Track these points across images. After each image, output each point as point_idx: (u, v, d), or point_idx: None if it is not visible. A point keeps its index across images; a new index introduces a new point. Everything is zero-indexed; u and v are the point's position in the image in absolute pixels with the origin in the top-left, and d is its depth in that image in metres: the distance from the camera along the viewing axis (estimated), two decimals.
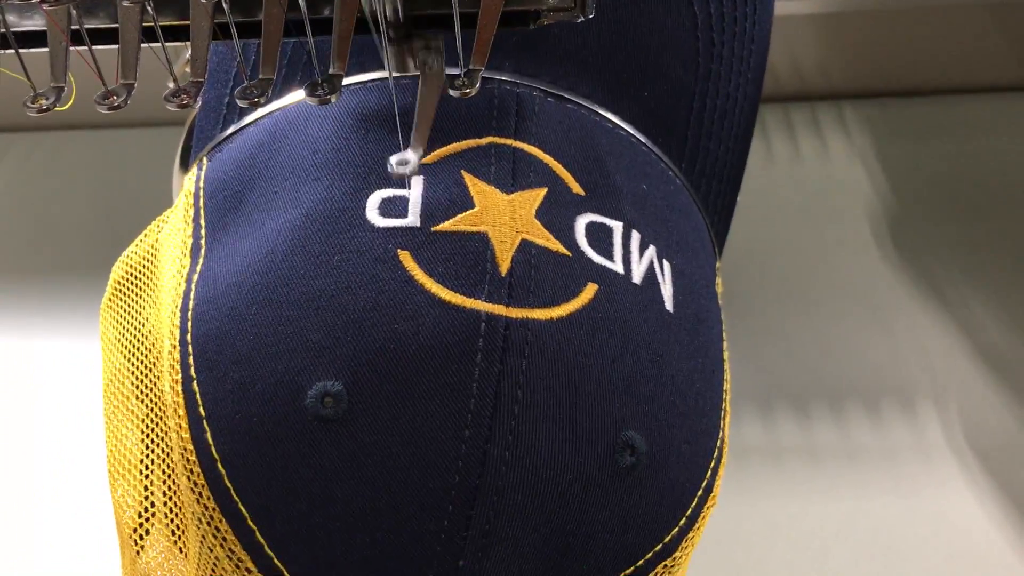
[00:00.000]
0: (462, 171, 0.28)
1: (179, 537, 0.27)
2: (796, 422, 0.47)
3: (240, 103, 0.25)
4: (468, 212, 0.27)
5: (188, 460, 0.26)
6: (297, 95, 0.31)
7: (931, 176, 0.57)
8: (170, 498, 0.27)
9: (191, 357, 0.27)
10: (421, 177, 0.28)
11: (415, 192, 0.28)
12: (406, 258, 0.26)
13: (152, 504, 0.28)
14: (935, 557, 0.42)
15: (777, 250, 0.53)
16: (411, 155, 0.26)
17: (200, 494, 0.26)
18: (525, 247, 0.27)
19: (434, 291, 0.26)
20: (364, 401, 0.25)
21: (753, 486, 0.45)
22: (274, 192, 0.29)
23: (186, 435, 0.26)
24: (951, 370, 0.48)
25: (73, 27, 0.24)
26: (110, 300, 0.32)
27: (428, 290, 0.26)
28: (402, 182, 0.28)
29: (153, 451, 0.28)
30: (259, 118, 0.31)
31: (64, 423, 0.47)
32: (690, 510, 0.28)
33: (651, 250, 0.30)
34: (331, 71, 0.25)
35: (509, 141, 0.29)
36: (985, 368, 0.48)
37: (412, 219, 0.27)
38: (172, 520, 0.27)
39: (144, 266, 0.32)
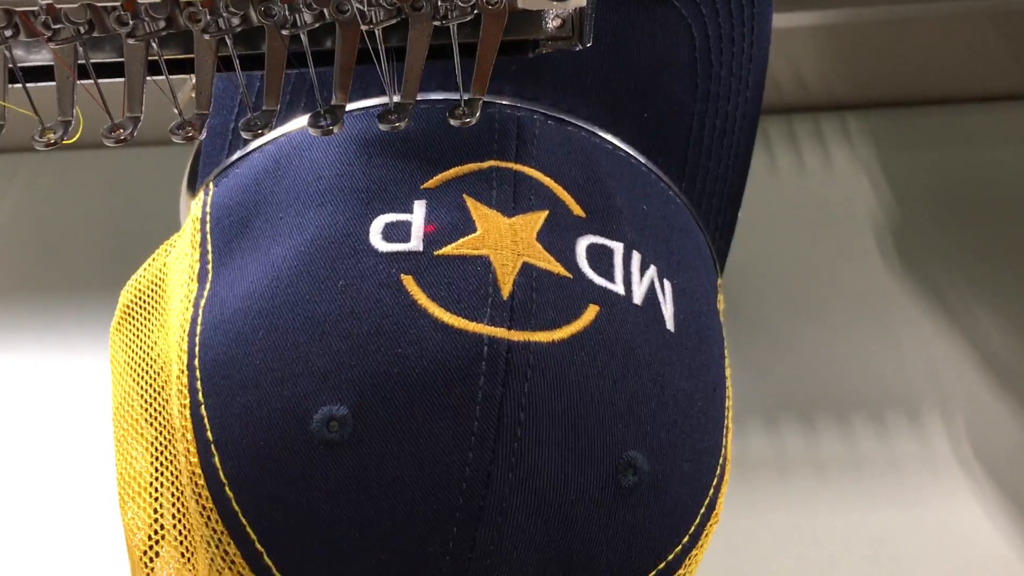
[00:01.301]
0: (464, 195, 0.28)
1: (189, 559, 0.28)
2: (802, 433, 0.47)
3: (244, 135, 0.25)
4: (470, 236, 0.28)
5: (197, 484, 0.26)
6: (301, 121, 0.31)
7: (935, 186, 0.57)
8: (179, 520, 0.28)
9: (199, 382, 0.27)
10: (424, 202, 0.28)
11: (417, 216, 0.28)
12: (409, 283, 0.27)
13: (162, 527, 0.28)
14: (941, 568, 0.42)
15: (781, 261, 0.53)
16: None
17: (209, 517, 0.26)
18: (526, 270, 0.27)
19: (437, 315, 0.26)
20: (369, 425, 0.25)
21: (759, 497, 0.45)
22: (279, 218, 0.29)
23: (195, 459, 0.26)
24: (957, 381, 0.48)
25: (79, 62, 0.25)
26: (119, 324, 0.32)
27: (431, 314, 0.26)
28: (406, 207, 0.28)
29: (163, 474, 0.28)
30: (263, 144, 0.31)
31: (74, 444, 0.48)
32: (693, 528, 0.28)
33: (652, 270, 0.30)
34: (333, 102, 0.25)
35: (510, 164, 0.29)
36: (991, 379, 0.48)
37: (415, 243, 0.27)
38: (182, 542, 0.28)
39: (152, 290, 0.32)
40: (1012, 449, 0.46)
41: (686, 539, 0.28)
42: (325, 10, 0.23)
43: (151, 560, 0.29)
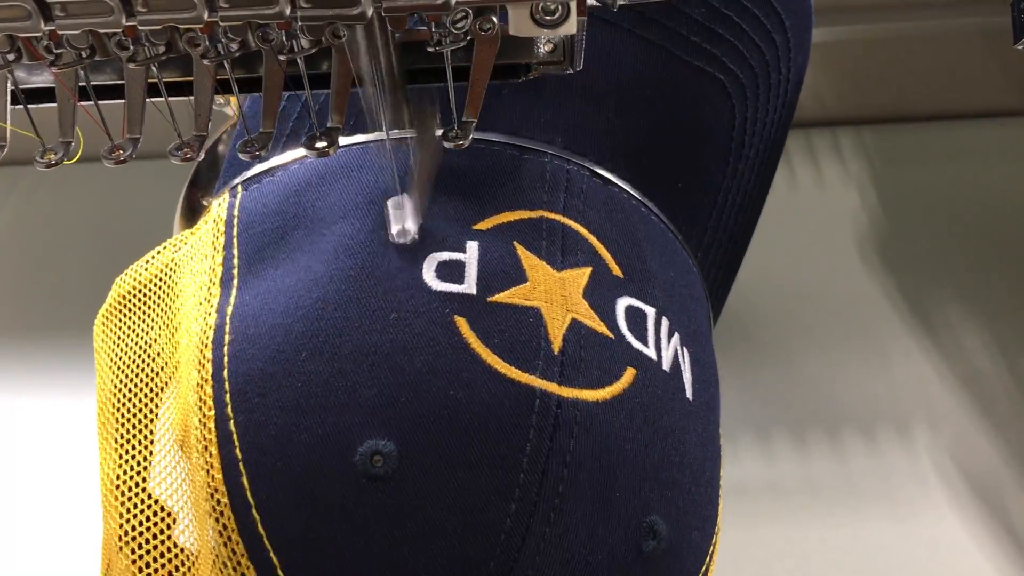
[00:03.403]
0: (515, 243, 0.28)
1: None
2: (793, 448, 0.47)
3: (241, 156, 0.25)
4: (521, 286, 0.27)
5: (218, 502, 0.25)
6: (350, 139, 0.30)
7: (925, 202, 0.57)
8: (141, 532, 0.27)
9: (228, 395, 0.26)
10: (476, 243, 0.28)
11: (471, 258, 0.28)
12: (462, 325, 0.26)
13: (126, 533, 0.27)
14: None
15: (772, 276, 0.54)
16: (411, 225, 0.27)
17: (229, 537, 0.25)
18: (575, 327, 0.27)
19: (490, 362, 0.26)
20: (415, 463, 0.25)
21: (751, 513, 0.45)
22: (321, 234, 0.29)
23: (218, 475, 0.25)
24: (945, 397, 0.49)
25: (80, 84, 0.25)
26: (108, 315, 0.31)
27: (484, 360, 0.26)
28: (459, 247, 0.28)
29: (131, 477, 0.28)
30: (304, 156, 0.31)
31: (69, 450, 0.48)
32: None
33: (676, 338, 0.31)
34: (329, 124, 0.26)
35: (559, 217, 0.30)
36: (979, 396, 0.49)
37: (468, 286, 0.27)
38: (138, 559, 0.27)
39: (156, 284, 0.31)
40: (1000, 465, 0.46)
41: None
42: (322, 36, 0.23)
43: (108, 569, 0.28)
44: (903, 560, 0.43)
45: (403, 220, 0.28)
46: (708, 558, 0.30)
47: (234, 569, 0.25)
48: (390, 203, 0.28)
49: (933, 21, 0.57)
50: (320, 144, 0.25)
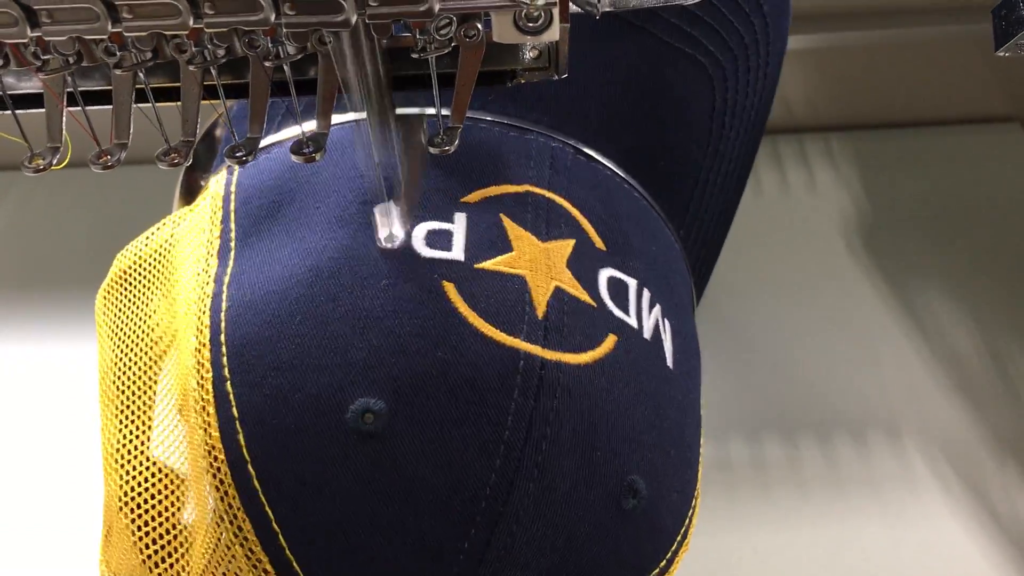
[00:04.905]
0: (501, 214, 0.30)
1: (141, 537, 0.28)
2: (783, 451, 0.47)
3: (228, 161, 0.26)
4: (507, 255, 0.29)
5: (215, 459, 0.26)
6: (342, 117, 0.31)
7: (917, 206, 0.57)
8: (139, 494, 0.28)
9: (225, 358, 0.27)
10: (464, 215, 0.29)
11: (459, 228, 0.29)
12: (451, 290, 0.27)
13: (120, 498, 0.28)
14: None
15: (764, 279, 0.54)
16: (399, 231, 0.28)
17: (226, 492, 0.26)
18: (559, 294, 0.28)
19: (477, 325, 0.27)
20: (404, 421, 0.26)
21: (741, 515, 0.45)
22: (316, 207, 0.30)
23: (215, 433, 0.26)
24: (936, 399, 0.49)
25: (68, 90, 0.25)
26: (109, 289, 0.32)
27: (471, 323, 0.27)
28: (447, 217, 0.29)
29: (131, 441, 0.29)
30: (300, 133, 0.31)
31: (65, 457, 0.48)
32: (670, 553, 0.30)
33: (657, 308, 0.31)
34: (316, 129, 0.26)
35: (544, 192, 0.31)
36: (969, 397, 0.49)
37: (457, 253, 0.28)
38: (137, 518, 0.27)
39: (155, 259, 0.32)
40: (990, 468, 0.46)
41: (663, 563, 0.29)
42: (307, 42, 0.24)
43: (109, 532, 0.29)
44: (893, 560, 0.44)
45: (391, 225, 0.28)
46: (688, 520, 0.31)
47: (231, 522, 0.26)
48: (377, 209, 0.28)
49: (925, 28, 0.57)
50: (306, 150, 0.26)
